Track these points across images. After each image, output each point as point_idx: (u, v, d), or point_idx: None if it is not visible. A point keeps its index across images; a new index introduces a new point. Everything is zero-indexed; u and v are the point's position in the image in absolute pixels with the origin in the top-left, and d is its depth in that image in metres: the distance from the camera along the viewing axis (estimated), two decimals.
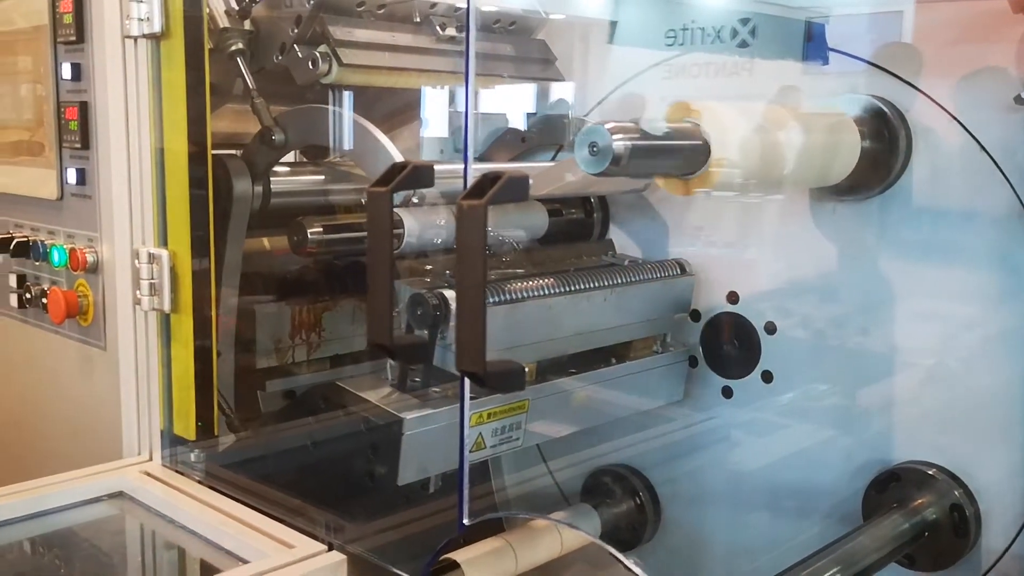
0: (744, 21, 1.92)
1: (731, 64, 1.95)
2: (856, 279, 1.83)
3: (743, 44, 1.92)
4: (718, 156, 1.44)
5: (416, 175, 1.36)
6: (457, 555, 1.77)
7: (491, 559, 1.82)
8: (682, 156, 1.41)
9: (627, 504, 2.18)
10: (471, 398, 1.54)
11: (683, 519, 2.14)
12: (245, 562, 1.36)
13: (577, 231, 2.16)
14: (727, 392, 2.03)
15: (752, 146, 1.49)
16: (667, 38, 2.02)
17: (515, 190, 1.12)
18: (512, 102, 2.26)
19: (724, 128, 1.45)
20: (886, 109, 1.72)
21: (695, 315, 2.06)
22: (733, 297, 2.00)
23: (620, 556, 1.49)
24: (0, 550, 1.48)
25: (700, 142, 1.42)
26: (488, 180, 1.12)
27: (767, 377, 1.96)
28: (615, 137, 1.32)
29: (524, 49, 2.13)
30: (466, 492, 1.36)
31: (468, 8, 1.29)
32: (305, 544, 1.38)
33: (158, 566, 1.52)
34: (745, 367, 1.99)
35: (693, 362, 2.08)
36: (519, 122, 2.23)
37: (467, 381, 1.28)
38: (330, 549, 1.37)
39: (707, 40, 1.97)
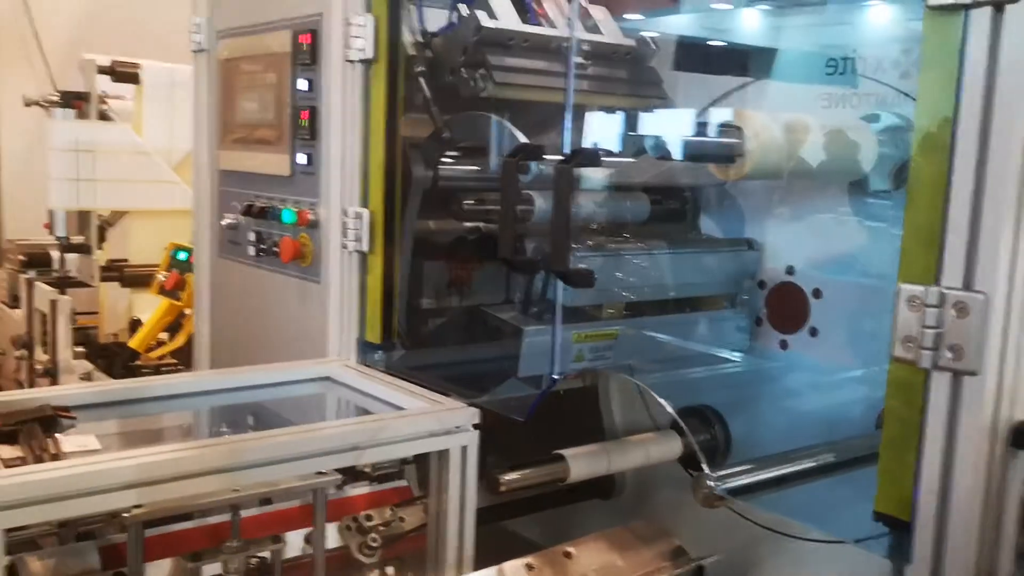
0: (907, 51, 2.26)
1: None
2: (879, 255, 2.36)
3: (906, 74, 2.26)
4: (750, 151, 2.04)
5: (587, 157, 1.97)
6: (565, 452, 2.39)
7: (589, 457, 2.43)
8: (720, 149, 2.02)
9: (704, 435, 2.74)
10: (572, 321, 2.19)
11: (749, 445, 2.69)
12: None
13: (673, 216, 2.76)
14: (783, 344, 2.59)
15: (778, 145, 2.08)
16: (827, 67, 2.42)
17: (590, 159, 1.76)
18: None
19: (756, 131, 2.05)
20: (901, 122, 2.27)
21: (761, 284, 2.63)
22: (790, 269, 2.57)
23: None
24: (252, 404, 2.21)
25: (735, 140, 2.03)
26: (574, 152, 1.77)
27: (813, 332, 2.52)
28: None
29: (636, 74, 2.75)
30: (558, 353, 1.99)
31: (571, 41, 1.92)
32: (452, 403, 2.05)
33: (356, 413, 2.20)
34: (797, 325, 2.56)
35: (760, 321, 2.65)
36: None
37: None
38: (469, 406, 2.03)
39: (867, 70, 2.34)
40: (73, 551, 1.79)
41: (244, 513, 1.97)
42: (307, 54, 2.44)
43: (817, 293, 2.50)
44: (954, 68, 1.28)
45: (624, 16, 2.79)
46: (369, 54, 2.30)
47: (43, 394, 1.94)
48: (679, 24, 2.82)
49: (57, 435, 1.75)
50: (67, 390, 2.12)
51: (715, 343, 2.63)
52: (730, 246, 2.60)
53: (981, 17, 1.25)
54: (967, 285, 1.29)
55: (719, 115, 2.54)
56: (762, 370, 2.67)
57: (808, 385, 2.59)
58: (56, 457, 1.65)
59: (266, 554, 1.90)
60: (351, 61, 2.33)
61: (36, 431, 1.68)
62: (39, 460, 1.61)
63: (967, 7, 1.26)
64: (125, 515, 1.64)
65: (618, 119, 2.41)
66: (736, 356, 2.66)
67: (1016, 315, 1.28)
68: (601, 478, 2.94)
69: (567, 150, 1.96)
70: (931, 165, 1.32)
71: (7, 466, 1.56)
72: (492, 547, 2.19)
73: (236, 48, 2.74)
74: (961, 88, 1.28)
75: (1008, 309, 1.27)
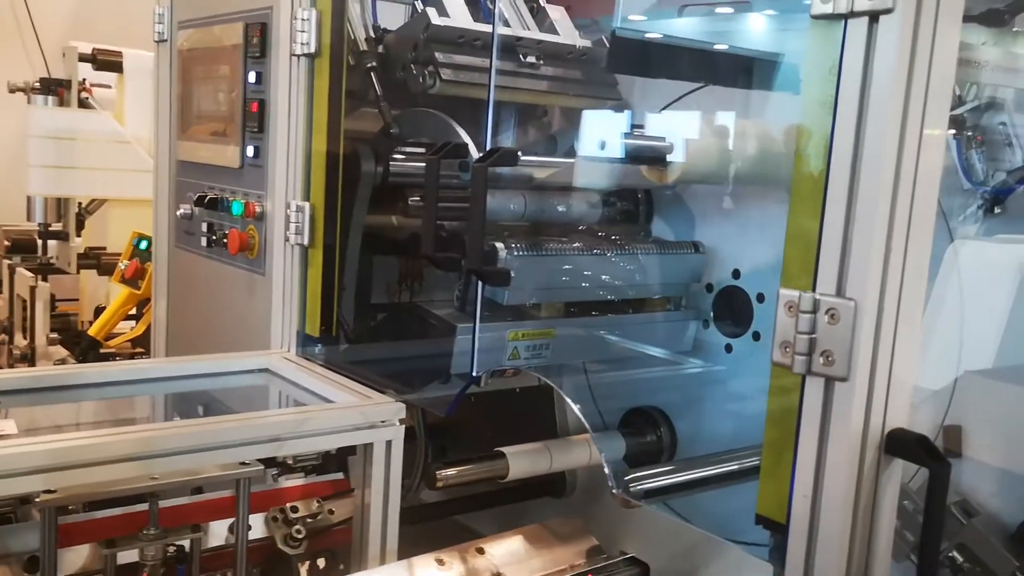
0: None
1: None
2: None
3: None
4: (680, 156, 2.06)
5: (504, 156, 2.00)
6: (505, 449, 2.41)
7: (530, 455, 2.45)
8: (651, 152, 2.04)
9: (651, 435, 2.76)
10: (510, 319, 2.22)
11: (694, 446, 2.70)
12: None
13: (625, 218, 2.77)
14: (728, 348, 2.60)
15: (708, 149, 2.09)
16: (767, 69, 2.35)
17: (507, 159, 1.78)
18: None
19: (686, 134, 2.06)
20: None
21: (709, 287, 2.64)
22: (736, 273, 2.57)
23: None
24: (188, 393, 2.24)
25: (664, 143, 2.04)
26: (492, 152, 1.79)
27: (756, 336, 2.52)
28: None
29: (591, 75, 2.76)
30: (476, 349, 2.01)
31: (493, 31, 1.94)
32: (379, 397, 2.07)
33: (287, 404, 2.23)
34: (742, 328, 2.56)
35: (707, 324, 2.66)
36: None
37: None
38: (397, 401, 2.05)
39: None
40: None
41: (173, 502, 2.00)
42: (257, 47, 2.45)
43: (761, 297, 2.51)
44: (833, 78, 1.30)
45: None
46: (312, 48, 2.32)
47: None
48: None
49: None
50: None
51: (659, 344, 2.64)
52: (676, 249, 2.60)
53: (858, 27, 1.27)
54: (839, 291, 1.30)
55: (655, 119, 2.57)
56: (707, 372, 2.68)
57: (752, 388, 2.60)
58: None
59: (185, 543, 1.92)
60: (296, 55, 2.35)
61: None
62: None
63: (845, 17, 1.27)
64: (37, 500, 1.66)
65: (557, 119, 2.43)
66: (681, 358, 2.68)
67: (888, 322, 1.29)
68: (552, 476, 2.97)
69: (489, 139, 1.98)
70: (811, 173, 1.34)
71: None
72: (444, 540, 2.21)
73: (194, 39, 2.76)
74: (838, 96, 1.29)
75: (880, 316, 1.29)
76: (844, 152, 1.28)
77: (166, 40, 2.91)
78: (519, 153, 1.86)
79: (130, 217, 4.41)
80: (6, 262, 4.63)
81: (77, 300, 4.70)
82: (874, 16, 1.24)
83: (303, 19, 2.31)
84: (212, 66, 2.68)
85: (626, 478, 1.94)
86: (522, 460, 2.42)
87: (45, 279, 4.33)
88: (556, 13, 2.76)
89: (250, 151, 2.52)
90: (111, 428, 1.76)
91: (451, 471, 2.28)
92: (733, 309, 2.58)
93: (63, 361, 4.08)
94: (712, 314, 2.64)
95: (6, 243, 4.89)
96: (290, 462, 2.21)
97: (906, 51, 1.22)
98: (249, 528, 1.97)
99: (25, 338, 4.33)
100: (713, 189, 2.59)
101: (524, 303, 2.34)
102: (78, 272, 4.48)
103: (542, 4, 2.78)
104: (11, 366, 4.35)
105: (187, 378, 2.27)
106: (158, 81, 2.96)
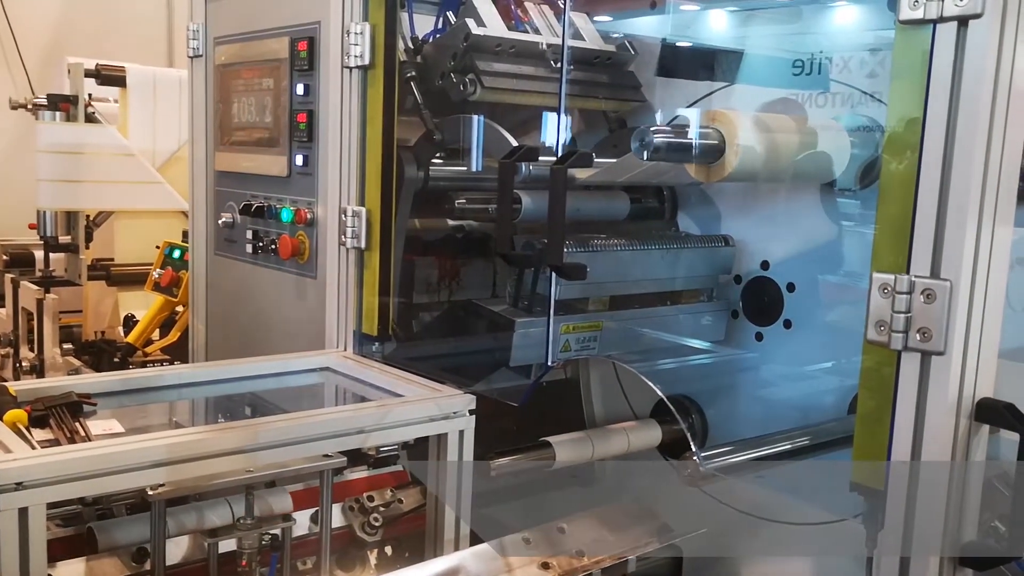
0: (874, 51, 2.36)
1: None
2: (850, 251, 2.50)
3: (872, 74, 2.35)
4: (731, 152, 2.16)
5: (581, 159, 2.09)
6: (551, 439, 2.50)
7: (574, 444, 2.55)
8: (702, 150, 2.14)
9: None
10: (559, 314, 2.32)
11: (724, 432, 2.82)
12: None
13: (652, 214, 2.89)
14: (759, 336, 2.72)
15: (757, 146, 2.20)
16: (794, 67, 2.53)
17: (583, 160, 1.89)
18: None
19: (736, 131, 2.17)
20: (869, 124, 2.39)
21: (737, 279, 2.76)
22: (765, 264, 2.69)
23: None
24: (257, 393, 2.32)
25: (716, 141, 2.15)
26: (567, 154, 1.89)
27: (787, 325, 2.64)
28: (656, 136, 2.07)
29: (616, 78, 2.88)
30: (551, 341, 2.11)
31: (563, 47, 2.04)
32: (449, 390, 2.16)
33: (357, 400, 2.31)
34: (772, 317, 2.68)
35: (735, 314, 2.78)
36: None
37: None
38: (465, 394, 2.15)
39: (835, 71, 2.44)
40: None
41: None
42: (304, 60, 2.54)
43: (791, 287, 2.62)
44: (922, 77, 1.42)
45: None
46: (366, 60, 2.41)
47: (63, 382, 2.05)
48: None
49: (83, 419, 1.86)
50: (84, 379, 2.23)
51: (693, 335, 2.76)
52: (707, 243, 2.72)
53: (947, 31, 1.40)
54: (934, 273, 1.43)
55: (697, 116, 2.67)
56: (738, 360, 2.80)
57: (782, 375, 2.72)
58: (87, 439, 1.76)
59: (277, 531, 2.01)
60: (349, 67, 2.44)
61: (65, 415, 1.79)
62: (72, 441, 1.72)
63: (934, 22, 1.40)
64: (151, 492, 1.75)
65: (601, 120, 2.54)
66: (713, 347, 2.79)
67: (979, 300, 1.42)
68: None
69: (560, 152, 2.09)
70: (901, 164, 1.47)
71: (43, 447, 1.67)
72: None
73: (233, 54, 2.84)
74: (928, 95, 1.42)
75: (971, 294, 1.42)
76: (935, 149, 1.41)
77: (201, 55, 2.98)
78: (593, 155, 1.97)
79: (136, 228, 4.48)
80: (7, 276, 4.66)
81: (79, 312, 4.74)
82: (963, 21, 1.37)
83: (356, 33, 2.40)
84: (252, 80, 2.76)
85: (696, 456, 2.04)
86: (567, 449, 2.51)
87: (48, 291, 4.37)
88: (580, 20, 2.87)
89: (299, 160, 2.60)
90: (215, 424, 1.84)
91: (503, 460, 2.36)
92: (763, 299, 2.69)
93: (77, 371, 4.13)
94: (741, 304, 2.75)
95: (4, 257, 4.92)
96: (372, 453, 2.30)
97: (994, 54, 1.35)
98: None
99: (32, 351, 4.37)
100: (742, 184, 2.71)
101: (573, 298, 2.45)
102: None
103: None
104: (17, 378, 4.39)
105: (254, 378, 2.35)
106: (192, 95, 3.04)
